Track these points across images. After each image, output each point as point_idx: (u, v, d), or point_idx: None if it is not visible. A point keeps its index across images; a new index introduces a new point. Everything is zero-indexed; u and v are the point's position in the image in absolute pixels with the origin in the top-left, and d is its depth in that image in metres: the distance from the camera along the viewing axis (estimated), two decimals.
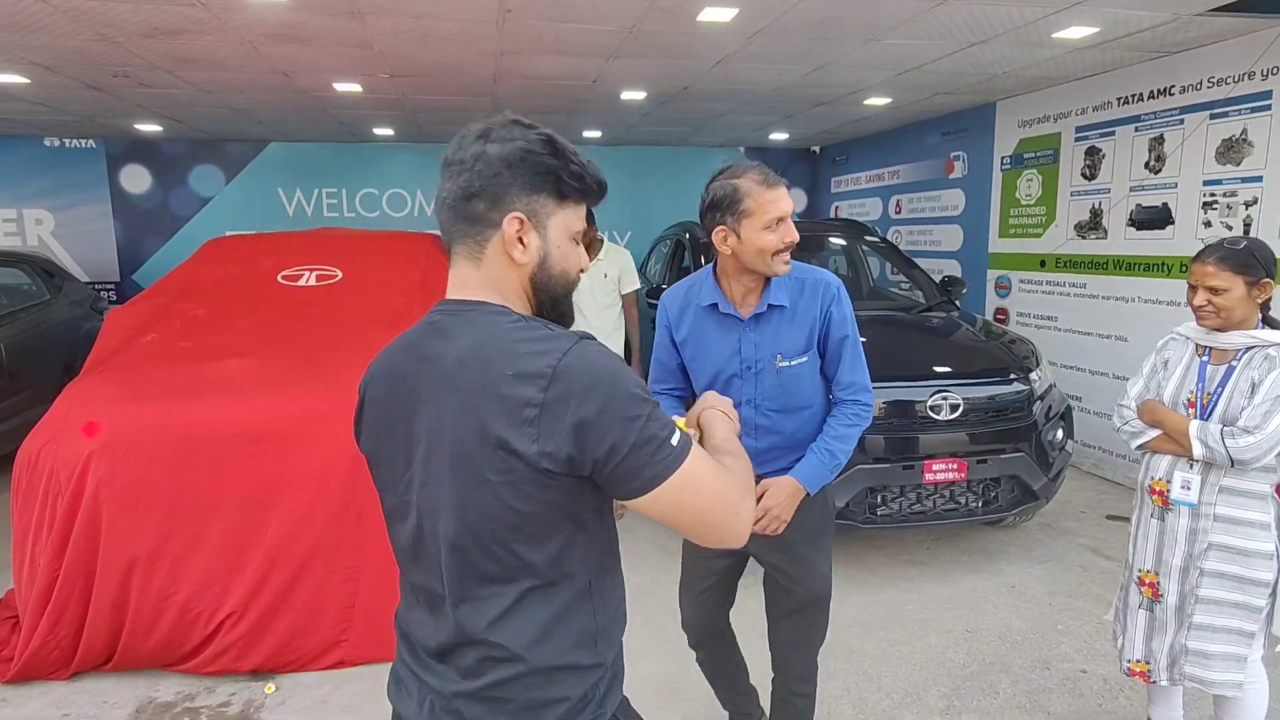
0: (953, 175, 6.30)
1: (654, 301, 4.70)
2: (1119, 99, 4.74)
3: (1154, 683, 2.19)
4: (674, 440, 0.92)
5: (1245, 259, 1.93)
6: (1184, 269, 4.31)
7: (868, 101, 5.75)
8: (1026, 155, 5.51)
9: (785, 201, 1.77)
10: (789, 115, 6.42)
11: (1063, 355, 5.21)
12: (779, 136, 7.66)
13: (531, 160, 0.95)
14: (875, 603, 3.33)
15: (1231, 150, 4.06)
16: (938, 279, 4.93)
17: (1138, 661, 2.19)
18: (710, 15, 3.54)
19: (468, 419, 0.91)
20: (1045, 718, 2.59)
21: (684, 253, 5.00)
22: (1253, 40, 3.90)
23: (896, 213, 7.19)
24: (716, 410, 1.14)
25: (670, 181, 8.27)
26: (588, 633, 0.99)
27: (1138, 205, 4.63)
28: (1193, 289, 2.01)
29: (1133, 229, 4.67)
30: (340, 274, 3.90)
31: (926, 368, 3.53)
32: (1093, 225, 4.97)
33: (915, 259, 6.65)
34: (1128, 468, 4.65)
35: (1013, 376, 3.54)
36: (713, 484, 0.95)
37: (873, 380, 1.92)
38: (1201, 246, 2.04)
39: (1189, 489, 2.04)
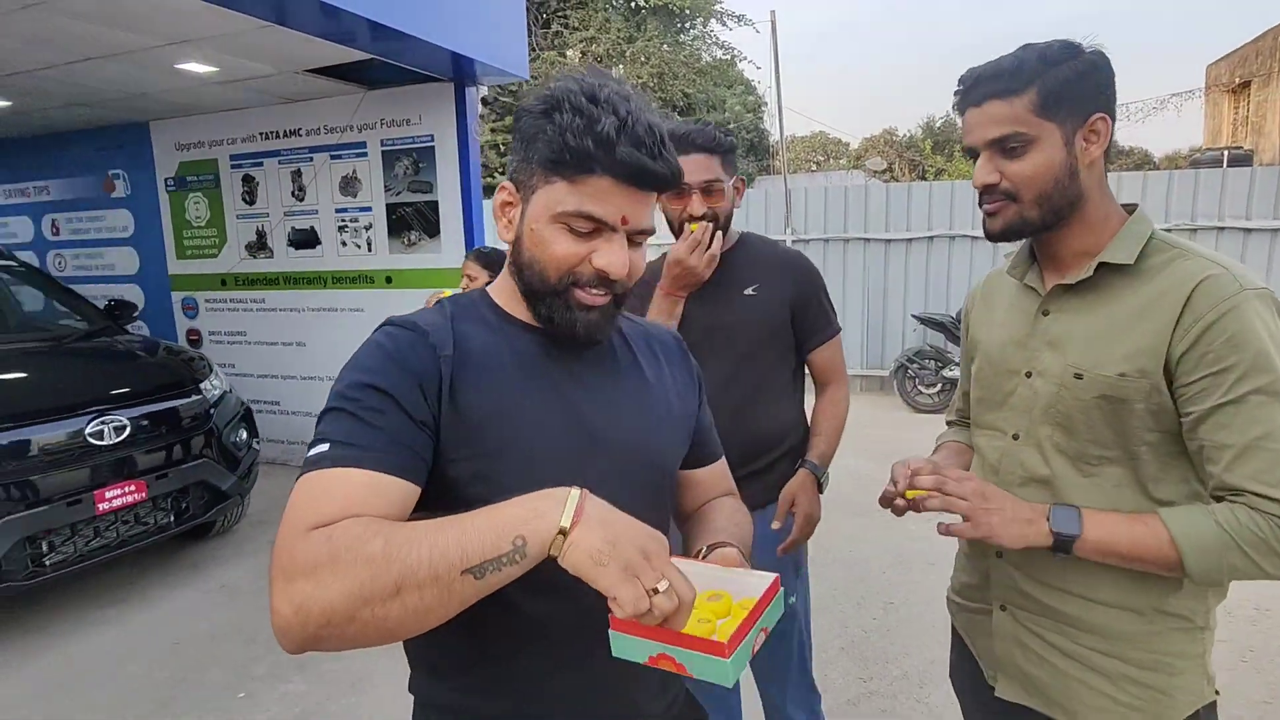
0: (115, 194, 5.91)
1: None
2: (262, 134, 5.32)
3: None
4: (315, 449, 0.75)
5: (495, 256, 2.79)
6: (336, 280, 5.24)
7: None
8: (189, 178, 5.63)
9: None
10: None
11: (257, 366, 5.60)
12: None
13: None
14: (49, 668, 2.97)
15: (349, 185, 5.10)
16: (105, 304, 4.59)
17: None
18: None
19: None
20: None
21: None
22: (350, 100, 4.97)
23: (54, 234, 6.28)
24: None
25: None
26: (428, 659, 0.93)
27: (293, 228, 5.34)
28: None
29: (292, 248, 5.37)
30: None
31: (79, 396, 3.27)
32: (260, 245, 5.48)
33: (89, 285, 6.01)
34: None
35: (184, 389, 3.65)
36: (290, 529, 0.69)
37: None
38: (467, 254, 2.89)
39: None
